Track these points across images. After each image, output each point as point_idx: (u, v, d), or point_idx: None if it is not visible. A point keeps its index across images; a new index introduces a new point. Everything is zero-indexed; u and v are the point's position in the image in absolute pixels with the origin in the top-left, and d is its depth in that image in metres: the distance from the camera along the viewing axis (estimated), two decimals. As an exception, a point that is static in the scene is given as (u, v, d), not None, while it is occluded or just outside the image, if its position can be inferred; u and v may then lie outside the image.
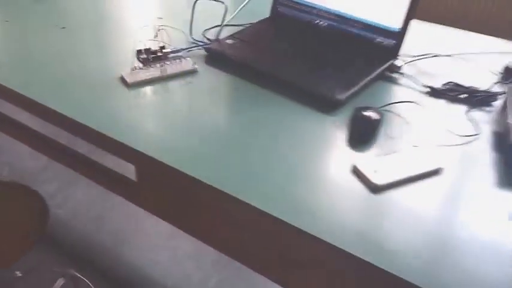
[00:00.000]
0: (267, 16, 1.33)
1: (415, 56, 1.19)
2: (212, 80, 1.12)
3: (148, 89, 1.08)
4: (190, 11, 1.28)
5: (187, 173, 0.87)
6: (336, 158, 0.92)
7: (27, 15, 1.35)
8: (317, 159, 0.91)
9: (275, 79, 1.10)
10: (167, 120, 0.99)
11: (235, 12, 1.30)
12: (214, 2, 1.23)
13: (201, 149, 0.92)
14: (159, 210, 1.05)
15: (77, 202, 1.97)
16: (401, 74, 1.14)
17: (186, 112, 1.02)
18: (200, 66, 1.15)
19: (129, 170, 1.02)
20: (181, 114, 1.01)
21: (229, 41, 1.21)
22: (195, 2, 1.22)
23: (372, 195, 0.84)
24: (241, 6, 1.28)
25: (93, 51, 1.20)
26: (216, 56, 1.18)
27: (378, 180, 0.85)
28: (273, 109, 1.04)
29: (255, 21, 1.32)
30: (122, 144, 0.92)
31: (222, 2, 1.19)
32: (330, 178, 0.87)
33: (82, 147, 1.15)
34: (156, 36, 1.15)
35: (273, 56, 1.17)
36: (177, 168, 0.87)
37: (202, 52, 1.21)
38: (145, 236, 1.84)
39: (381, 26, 1.17)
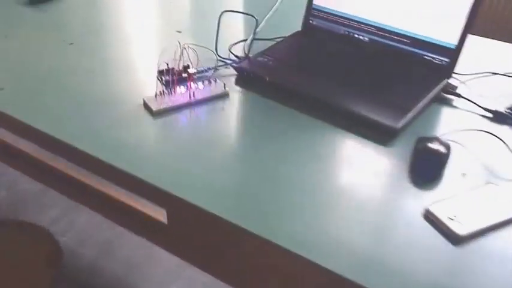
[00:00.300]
0: (299, 30, 1.18)
1: (471, 75, 1.06)
2: (246, 105, 0.99)
3: (175, 118, 0.94)
4: (211, 23, 1.16)
5: (227, 218, 0.74)
6: (401, 199, 0.79)
7: (29, 28, 1.21)
8: (378, 202, 0.78)
9: (317, 103, 0.97)
10: (199, 154, 0.86)
11: (261, 25, 1.17)
12: (239, 14, 1.07)
13: (241, 189, 0.79)
14: (193, 256, 0.90)
15: (83, 227, 1.82)
16: (458, 95, 1.00)
17: (220, 144, 0.88)
18: (230, 88, 1.01)
19: (157, 211, 0.87)
20: (214, 147, 0.88)
21: (261, 59, 1.07)
22: (221, 14, 1.06)
23: (454, 248, 0.71)
24: (266, 17, 1.14)
25: (109, 72, 1.06)
26: (248, 76, 1.05)
27: (460, 228, 0.72)
28: (317, 138, 0.91)
29: (283, 35, 1.19)
30: (149, 185, 0.79)
31: (253, 16, 1.04)
32: (397, 225, 0.74)
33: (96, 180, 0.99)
34: (180, 55, 0.99)
35: (312, 76, 1.04)
36: (216, 213, 0.75)
37: (230, 71, 1.08)
38: (158, 263, 1.71)
39: (432, 41, 1.04)
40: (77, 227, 1.80)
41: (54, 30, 1.20)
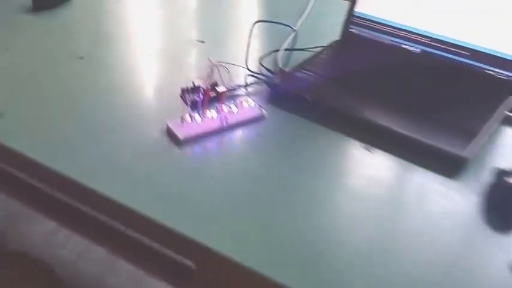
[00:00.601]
0: (336, 39, 1.03)
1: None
2: (285, 129, 0.86)
3: (206, 147, 0.81)
4: (236, 32, 1.07)
5: (271, 277, 0.60)
6: (481, 248, 0.65)
7: (33, 39, 1.07)
8: (453, 251, 0.65)
9: (369, 127, 0.84)
10: (236, 194, 0.73)
11: (292, 34, 1.02)
12: (273, 23, 0.93)
13: (287, 248, 0.65)
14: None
15: (81, 238, 1.65)
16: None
17: (260, 181, 0.75)
18: (265, 108, 0.87)
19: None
20: (253, 185, 0.75)
21: (298, 74, 0.92)
22: (254, 24, 0.92)
23: None
24: (297, 24, 0.99)
25: (125, 91, 0.93)
26: (285, 94, 0.91)
27: None
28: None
29: (317, 44, 1.05)
30: (176, 233, 0.66)
31: (291, 27, 0.89)
32: (480, 283, 0.61)
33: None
34: (210, 72, 0.85)
35: (359, 95, 0.91)
36: (258, 271, 0.61)
37: (262, 87, 0.94)
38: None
39: (496, 54, 0.90)
40: (76, 238, 1.65)
41: (61, 41, 1.07)
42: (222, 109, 0.85)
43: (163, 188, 0.72)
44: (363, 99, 0.88)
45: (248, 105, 0.86)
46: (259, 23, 0.97)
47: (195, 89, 0.88)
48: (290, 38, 1.08)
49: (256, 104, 0.86)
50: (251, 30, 0.97)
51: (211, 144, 0.81)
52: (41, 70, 0.96)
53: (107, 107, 0.87)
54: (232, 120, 0.83)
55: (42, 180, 0.77)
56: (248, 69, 0.96)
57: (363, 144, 0.81)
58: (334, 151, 0.81)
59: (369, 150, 0.79)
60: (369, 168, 0.77)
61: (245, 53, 0.98)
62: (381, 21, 1.00)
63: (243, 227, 0.67)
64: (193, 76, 0.92)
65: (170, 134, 0.81)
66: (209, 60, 0.83)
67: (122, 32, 1.12)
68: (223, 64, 0.85)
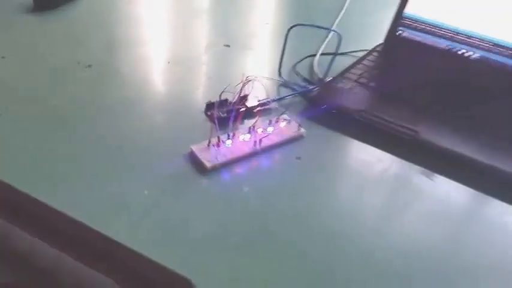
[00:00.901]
0: (380, 42, 0.88)
1: None
2: (329, 151, 0.72)
3: (237, 176, 0.67)
4: (262, 35, 0.94)
5: None
6: None
7: (33, 44, 0.94)
8: None
9: (429, 149, 0.70)
10: (274, 232, 0.59)
11: (329, 37, 0.90)
12: (312, 27, 0.79)
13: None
14: None
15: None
16: None
17: (302, 215, 0.61)
18: (304, 126, 0.74)
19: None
20: (295, 220, 0.60)
21: (340, 84, 0.77)
22: (290, 29, 0.77)
23: None
24: (334, 24, 0.84)
25: (139, 108, 0.79)
26: (326, 109, 0.77)
27: None
28: (445, 204, 0.64)
29: (360, 48, 0.93)
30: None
31: (334, 31, 0.74)
32: None
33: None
34: (243, 86, 0.71)
35: (412, 108, 0.77)
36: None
37: (298, 99, 0.81)
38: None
39: None
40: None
41: (66, 46, 0.93)
42: (255, 129, 0.71)
43: (189, 231, 0.59)
44: (416, 114, 0.75)
45: (285, 123, 0.73)
46: (276, 24, 0.81)
47: (222, 104, 0.74)
48: (326, 40, 0.94)
49: (294, 122, 0.71)
50: (287, 35, 0.81)
51: (243, 171, 0.67)
52: (41, 82, 0.82)
53: (118, 129, 0.74)
54: (267, 142, 0.69)
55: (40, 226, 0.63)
56: (282, 78, 0.82)
57: (422, 169, 0.65)
58: (386, 177, 0.67)
59: (429, 178, 0.64)
60: (430, 199, 0.64)
61: (277, 60, 0.85)
62: (434, 23, 0.85)
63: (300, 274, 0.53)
64: (220, 87, 0.77)
65: (194, 161, 0.67)
66: (243, 75, 0.69)
67: (136, 35, 0.98)
68: (256, 77, 0.70)
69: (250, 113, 0.75)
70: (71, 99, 0.78)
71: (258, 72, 0.85)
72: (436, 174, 0.67)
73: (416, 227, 0.60)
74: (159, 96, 0.81)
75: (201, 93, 0.81)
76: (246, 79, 0.72)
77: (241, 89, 0.73)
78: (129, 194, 0.62)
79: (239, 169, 0.67)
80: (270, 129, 0.71)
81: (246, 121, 0.74)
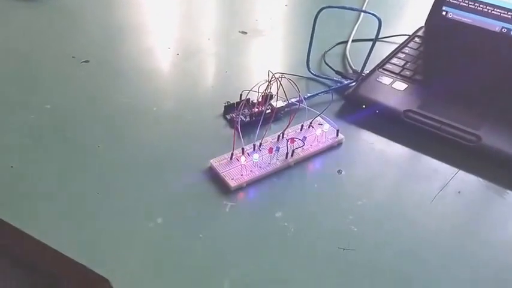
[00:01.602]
0: (422, 25, 0.74)
1: None
2: (373, 161, 0.60)
3: (268, 196, 0.55)
4: (284, 21, 0.80)
5: None
6: None
7: (21, 35, 0.80)
8: None
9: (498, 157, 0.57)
10: (325, 269, 0.47)
11: (359, 21, 0.79)
12: (340, 9, 0.66)
13: None
14: None
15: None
16: None
17: (353, 243, 0.49)
18: (341, 129, 0.62)
19: None
20: (344, 253, 0.48)
21: (382, 79, 0.64)
22: (319, 11, 0.63)
23: None
24: (365, 4, 0.70)
25: (144, 113, 0.66)
26: (368, 108, 0.65)
27: None
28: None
29: (397, 32, 0.81)
30: None
31: (371, 13, 0.61)
32: None
33: None
34: (267, 89, 0.58)
35: (472, 106, 0.64)
36: None
37: (330, 96, 0.68)
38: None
39: None
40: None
41: (58, 37, 0.81)
42: (285, 137, 0.60)
43: (215, 274, 0.46)
44: (474, 114, 0.62)
45: (320, 129, 0.60)
46: (325, 9, 0.67)
47: (244, 105, 0.62)
48: (357, 24, 0.80)
49: (330, 126, 0.58)
50: (316, 19, 0.67)
51: (274, 191, 0.55)
52: (30, 80, 0.70)
53: (119, 138, 0.61)
54: (300, 152, 0.57)
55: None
56: (311, 71, 0.68)
57: (491, 184, 0.53)
58: (448, 196, 0.55)
59: (501, 195, 0.52)
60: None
61: (303, 49, 0.72)
62: (486, 1, 0.72)
63: None
64: (239, 84, 0.67)
65: (215, 178, 0.55)
66: (270, 73, 0.55)
67: (138, 24, 0.84)
68: (283, 74, 0.57)
69: (276, 115, 0.62)
70: (64, 101, 0.66)
71: (281, 64, 0.73)
72: (508, 191, 0.53)
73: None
74: (168, 98, 0.68)
75: (217, 92, 0.69)
76: (273, 77, 0.58)
77: (266, 88, 0.60)
78: (134, 225, 0.50)
79: (269, 188, 0.55)
80: (306, 137, 0.57)
81: (272, 126, 0.61)
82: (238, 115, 0.61)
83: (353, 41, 0.79)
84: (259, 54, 0.77)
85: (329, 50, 0.76)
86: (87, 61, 0.73)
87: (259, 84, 0.59)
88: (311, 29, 0.67)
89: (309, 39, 0.68)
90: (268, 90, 0.61)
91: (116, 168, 0.56)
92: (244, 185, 0.54)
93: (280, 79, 0.58)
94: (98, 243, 0.48)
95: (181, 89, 0.70)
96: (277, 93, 0.60)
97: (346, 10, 0.71)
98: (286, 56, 0.78)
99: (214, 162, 0.56)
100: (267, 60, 0.76)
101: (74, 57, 0.74)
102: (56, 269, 0.51)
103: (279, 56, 0.78)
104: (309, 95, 0.66)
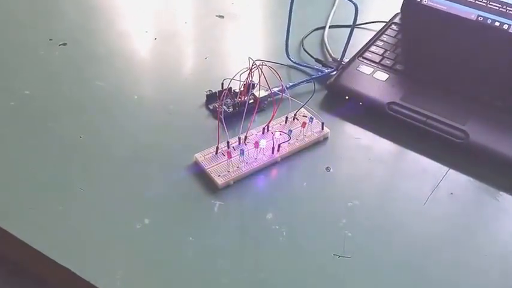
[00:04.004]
0: (398, 12, 0.70)
1: None
2: (362, 158, 0.56)
3: (257, 197, 0.50)
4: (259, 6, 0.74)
5: None
6: None
7: None
8: None
9: (497, 160, 0.54)
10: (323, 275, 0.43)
11: (335, 7, 0.76)
12: None
13: None
14: None
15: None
16: None
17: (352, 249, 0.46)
18: (326, 123, 0.57)
19: None
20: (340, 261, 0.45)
21: (363, 68, 0.59)
22: None
23: None
24: None
25: (122, 100, 0.61)
26: (354, 100, 0.61)
27: None
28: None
29: (373, 18, 0.75)
30: None
31: (351, 0, 0.55)
32: None
33: None
34: (251, 74, 0.52)
35: (462, 103, 0.59)
36: None
37: (312, 85, 0.61)
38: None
39: None
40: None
41: (34, 19, 0.73)
42: (270, 130, 0.55)
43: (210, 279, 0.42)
44: (458, 106, 0.58)
45: (306, 121, 0.55)
46: None
47: (226, 95, 0.57)
48: (333, 9, 0.75)
49: (315, 119, 0.54)
50: (292, 3, 0.62)
51: (263, 189, 0.51)
52: (6, 63, 0.62)
53: (95, 130, 0.56)
54: (286, 147, 0.52)
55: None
56: (290, 58, 0.63)
57: (482, 185, 0.50)
58: (441, 198, 0.51)
59: (495, 197, 0.48)
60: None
61: (280, 34, 0.66)
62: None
63: None
64: (219, 71, 0.63)
65: (201, 174, 0.49)
66: (250, 60, 0.50)
67: (116, 6, 0.76)
68: (264, 61, 0.52)
69: (260, 104, 0.58)
70: (37, 86, 0.60)
71: (260, 51, 0.69)
72: (501, 192, 0.49)
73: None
74: (148, 85, 0.62)
75: (198, 79, 0.63)
76: (253, 64, 0.52)
77: (247, 77, 0.54)
78: (118, 225, 0.45)
79: (258, 187, 0.51)
80: (291, 131, 0.52)
81: (256, 117, 0.56)
82: (222, 106, 0.56)
83: (330, 27, 0.73)
84: (236, 39, 0.72)
85: (306, 36, 0.70)
86: (64, 43, 0.66)
87: (240, 72, 0.53)
88: (287, 14, 0.62)
89: (286, 24, 0.62)
90: (250, 79, 0.55)
91: (99, 162, 0.51)
92: (232, 182, 0.49)
93: (261, 67, 0.52)
94: (82, 244, 0.42)
95: (161, 76, 0.65)
96: (259, 82, 0.54)
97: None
98: (264, 41, 0.73)
99: (199, 156, 0.51)
100: (245, 45, 0.71)
101: (50, 39, 0.66)
102: (39, 271, 0.45)
103: (257, 42, 0.73)
104: (290, 84, 0.61)
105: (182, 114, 0.57)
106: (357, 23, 0.61)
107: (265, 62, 0.54)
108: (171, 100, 0.59)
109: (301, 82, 0.62)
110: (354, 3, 0.58)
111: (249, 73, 0.54)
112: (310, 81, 0.62)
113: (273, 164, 0.52)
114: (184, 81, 0.63)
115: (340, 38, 0.65)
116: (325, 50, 0.69)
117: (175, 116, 0.57)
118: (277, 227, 0.46)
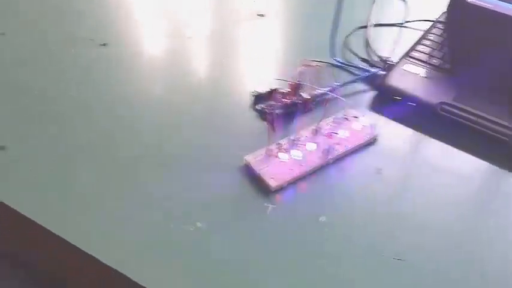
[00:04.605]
0: (443, 11, 0.68)
1: None
2: (412, 158, 0.54)
3: (310, 199, 0.48)
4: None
5: None
6: None
7: (33, 18, 0.72)
8: None
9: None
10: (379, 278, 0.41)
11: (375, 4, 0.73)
12: None
13: None
14: None
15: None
16: None
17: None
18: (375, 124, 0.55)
19: None
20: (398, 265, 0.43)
21: (412, 68, 0.58)
22: None
23: None
24: None
25: (167, 104, 0.59)
26: (404, 101, 0.58)
27: None
28: None
29: (418, 18, 0.72)
30: None
31: None
32: None
33: None
34: (299, 74, 0.51)
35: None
36: None
37: (360, 85, 0.61)
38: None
39: None
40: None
41: (75, 19, 0.72)
42: (321, 131, 0.53)
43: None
44: (508, 105, 0.56)
45: (356, 122, 0.54)
46: None
47: (273, 96, 0.56)
48: (373, 7, 0.72)
49: (365, 120, 0.52)
50: (340, 1, 0.59)
51: (315, 192, 0.49)
52: (45, 65, 0.61)
53: (138, 132, 0.54)
54: (338, 148, 0.50)
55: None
56: (335, 59, 0.61)
57: None
58: (491, 198, 0.50)
59: None
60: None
61: (323, 33, 0.64)
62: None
63: None
64: (264, 71, 0.61)
65: (252, 177, 0.48)
66: (304, 60, 0.49)
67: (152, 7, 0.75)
68: (313, 61, 0.50)
69: (308, 105, 0.56)
70: (75, 88, 0.59)
71: (301, 50, 0.67)
72: None
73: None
74: (191, 85, 0.60)
75: (243, 80, 0.61)
76: (304, 64, 0.50)
77: (296, 77, 0.54)
78: (170, 229, 0.44)
79: (309, 189, 0.49)
80: (342, 132, 0.50)
81: (304, 118, 0.55)
82: (271, 107, 0.54)
83: (376, 25, 0.71)
84: (279, 39, 0.70)
85: (349, 35, 0.68)
86: (104, 44, 0.65)
87: (287, 72, 0.51)
88: (324, 13, 0.62)
89: (326, 23, 0.62)
90: (298, 79, 0.53)
91: (151, 167, 0.49)
92: (285, 184, 0.47)
93: (309, 67, 0.51)
94: (136, 250, 0.40)
95: (204, 76, 0.63)
96: (308, 82, 0.52)
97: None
98: (303, 40, 0.70)
99: (250, 159, 0.49)
100: (286, 45, 0.69)
101: (92, 39, 0.65)
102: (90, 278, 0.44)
103: (296, 41, 0.70)
104: (338, 84, 0.58)
105: (228, 115, 0.56)
106: (402, 22, 0.58)
107: (313, 62, 0.51)
108: (217, 102, 0.59)
109: (350, 82, 0.60)
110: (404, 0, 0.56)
111: (297, 73, 0.52)
112: (358, 81, 0.60)
113: (324, 165, 0.50)
114: (229, 82, 0.61)
115: (380, 36, 0.64)
116: (369, 49, 0.66)
117: (222, 118, 0.56)
118: (330, 230, 0.44)
